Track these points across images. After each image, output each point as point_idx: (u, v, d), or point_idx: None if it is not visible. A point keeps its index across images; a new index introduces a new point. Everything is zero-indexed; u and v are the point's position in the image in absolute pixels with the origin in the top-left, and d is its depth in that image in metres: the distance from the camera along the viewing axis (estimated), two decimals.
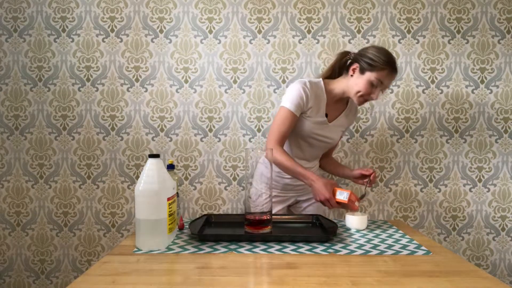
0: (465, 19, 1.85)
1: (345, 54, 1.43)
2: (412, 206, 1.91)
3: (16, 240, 1.91)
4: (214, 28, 1.85)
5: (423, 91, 1.87)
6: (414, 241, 1.09)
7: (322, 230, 1.18)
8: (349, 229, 1.23)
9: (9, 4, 1.85)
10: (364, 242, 1.08)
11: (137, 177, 1.90)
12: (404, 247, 1.04)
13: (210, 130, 1.88)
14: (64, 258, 1.91)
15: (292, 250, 1.00)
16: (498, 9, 1.84)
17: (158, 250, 1.00)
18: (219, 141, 1.88)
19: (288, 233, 1.16)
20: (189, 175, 1.89)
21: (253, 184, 1.41)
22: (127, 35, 1.86)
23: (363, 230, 1.22)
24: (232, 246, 1.03)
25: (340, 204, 1.22)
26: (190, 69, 1.86)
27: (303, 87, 1.34)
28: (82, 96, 1.88)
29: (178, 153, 1.89)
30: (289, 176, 1.48)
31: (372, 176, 1.42)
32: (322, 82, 1.40)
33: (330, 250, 1.00)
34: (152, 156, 1.01)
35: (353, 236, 1.14)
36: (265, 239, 1.08)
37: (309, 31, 1.85)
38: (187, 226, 1.23)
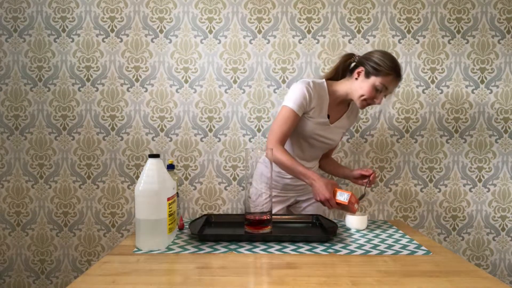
0: (465, 19, 1.85)
1: (350, 56, 1.42)
2: (412, 206, 1.91)
3: (16, 240, 1.91)
4: (214, 28, 1.85)
5: (423, 91, 1.87)
6: (414, 241, 1.09)
7: (322, 230, 1.18)
8: (349, 229, 1.23)
9: (9, 4, 1.86)
10: (364, 242, 1.08)
11: (137, 177, 1.90)
12: (404, 247, 1.04)
13: (210, 130, 1.88)
14: (64, 258, 1.91)
15: (292, 250, 1.00)
16: (498, 9, 1.84)
17: (158, 250, 1.00)
18: (219, 141, 1.88)
19: (288, 233, 1.16)
20: (189, 175, 1.89)
21: (253, 184, 1.42)
22: (127, 35, 1.86)
23: (363, 230, 1.22)
24: (232, 246, 1.03)
25: (339, 205, 1.22)
26: (190, 69, 1.86)
27: (307, 87, 1.33)
28: (82, 96, 1.88)
29: (178, 153, 1.89)
30: (289, 176, 1.48)
31: (371, 176, 1.42)
32: (325, 83, 1.40)
33: (330, 250, 1.00)
34: (152, 156, 1.01)
35: (353, 236, 1.14)
36: (265, 239, 1.08)
37: (309, 31, 1.85)
38: (187, 226, 1.23)
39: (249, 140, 1.88)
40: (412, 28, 1.85)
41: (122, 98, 1.87)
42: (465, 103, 1.87)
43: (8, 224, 1.91)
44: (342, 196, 1.21)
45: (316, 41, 1.85)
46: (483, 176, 1.89)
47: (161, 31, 1.85)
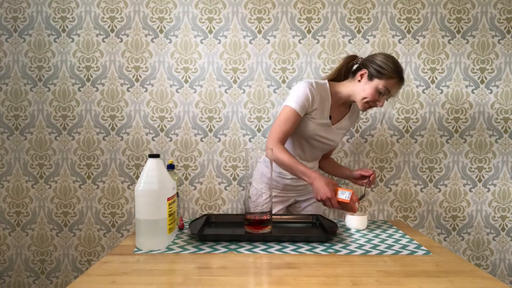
0: (465, 19, 1.85)
1: (352, 58, 1.42)
2: (412, 206, 1.91)
3: (16, 240, 1.91)
4: (214, 28, 1.85)
5: (423, 91, 1.87)
6: (414, 241, 1.09)
7: (322, 230, 1.18)
8: (349, 229, 1.23)
9: (9, 4, 1.86)
10: (364, 242, 1.08)
11: (137, 177, 1.90)
12: (404, 247, 1.04)
13: (210, 130, 1.88)
14: (64, 258, 1.91)
15: (292, 250, 1.00)
16: (498, 9, 1.84)
17: (158, 250, 1.00)
18: (219, 141, 1.88)
19: (288, 233, 1.16)
20: (189, 175, 1.89)
21: (253, 184, 1.42)
22: (127, 35, 1.86)
23: (363, 230, 1.22)
24: (232, 246, 1.03)
25: (340, 204, 1.22)
26: (190, 69, 1.86)
27: (310, 88, 1.33)
28: (82, 96, 1.88)
29: (178, 153, 1.89)
30: (290, 177, 1.48)
31: (371, 177, 1.42)
32: (327, 84, 1.40)
33: (330, 250, 1.00)
34: (152, 156, 1.01)
35: (353, 236, 1.14)
36: (265, 239, 1.08)
37: (309, 31, 1.85)
38: (187, 226, 1.23)
39: (249, 140, 1.88)
40: (412, 28, 1.85)
41: (122, 98, 1.87)
42: (465, 103, 1.87)
43: (8, 224, 1.91)
44: (344, 195, 1.21)
45: (316, 41, 1.85)
46: (483, 176, 1.89)
47: (161, 31, 1.85)
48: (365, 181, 1.45)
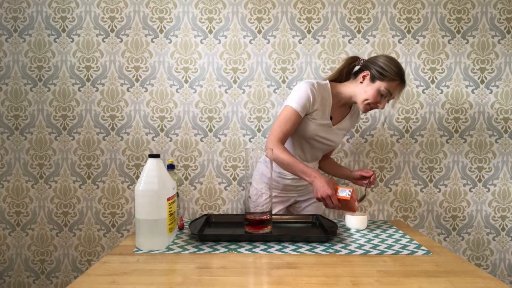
0: (465, 19, 1.85)
1: (354, 59, 1.42)
2: (412, 206, 1.91)
3: (16, 240, 1.91)
4: (214, 28, 1.85)
5: (423, 91, 1.87)
6: (414, 241, 1.09)
7: (322, 230, 1.17)
8: (349, 229, 1.23)
9: (9, 4, 1.86)
10: (364, 242, 1.08)
11: (137, 177, 1.90)
12: (404, 247, 1.04)
13: (210, 130, 1.88)
14: (64, 258, 1.91)
15: (292, 250, 1.00)
16: (498, 9, 1.84)
17: (158, 250, 1.00)
18: (219, 141, 1.88)
19: (288, 233, 1.16)
20: (189, 175, 1.89)
21: (253, 184, 1.42)
22: (127, 35, 1.86)
23: (363, 230, 1.22)
24: (232, 246, 1.03)
25: (340, 202, 1.22)
26: (190, 69, 1.86)
27: (311, 88, 1.33)
28: (82, 96, 1.88)
29: (178, 153, 1.89)
30: (290, 177, 1.48)
31: (372, 177, 1.42)
32: (329, 85, 1.40)
33: (330, 250, 1.00)
34: (152, 156, 1.01)
35: (353, 236, 1.14)
36: (265, 239, 1.08)
37: (309, 31, 1.85)
38: (187, 226, 1.23)
39: (249, 140, 1.88)
40: (412, 28, 1.85)
41: (122, 98, 1.87)
42: (465, 103, 1.87)
43: (8, 224, 1.91)
44: (344, 192, 1.21)
45: (316, 41, 1.85)
46: (483, 176, 1.89)
47: (161, 31, 1.85)
48: (366, 181, 1.45)
